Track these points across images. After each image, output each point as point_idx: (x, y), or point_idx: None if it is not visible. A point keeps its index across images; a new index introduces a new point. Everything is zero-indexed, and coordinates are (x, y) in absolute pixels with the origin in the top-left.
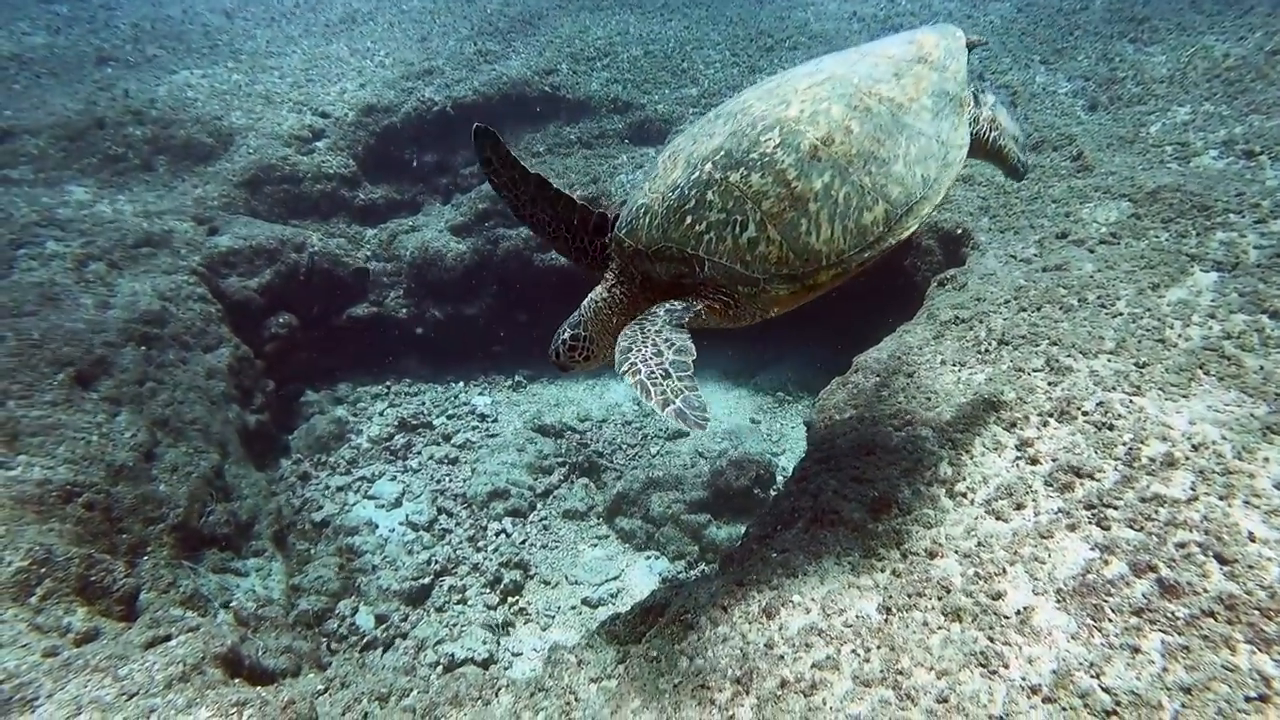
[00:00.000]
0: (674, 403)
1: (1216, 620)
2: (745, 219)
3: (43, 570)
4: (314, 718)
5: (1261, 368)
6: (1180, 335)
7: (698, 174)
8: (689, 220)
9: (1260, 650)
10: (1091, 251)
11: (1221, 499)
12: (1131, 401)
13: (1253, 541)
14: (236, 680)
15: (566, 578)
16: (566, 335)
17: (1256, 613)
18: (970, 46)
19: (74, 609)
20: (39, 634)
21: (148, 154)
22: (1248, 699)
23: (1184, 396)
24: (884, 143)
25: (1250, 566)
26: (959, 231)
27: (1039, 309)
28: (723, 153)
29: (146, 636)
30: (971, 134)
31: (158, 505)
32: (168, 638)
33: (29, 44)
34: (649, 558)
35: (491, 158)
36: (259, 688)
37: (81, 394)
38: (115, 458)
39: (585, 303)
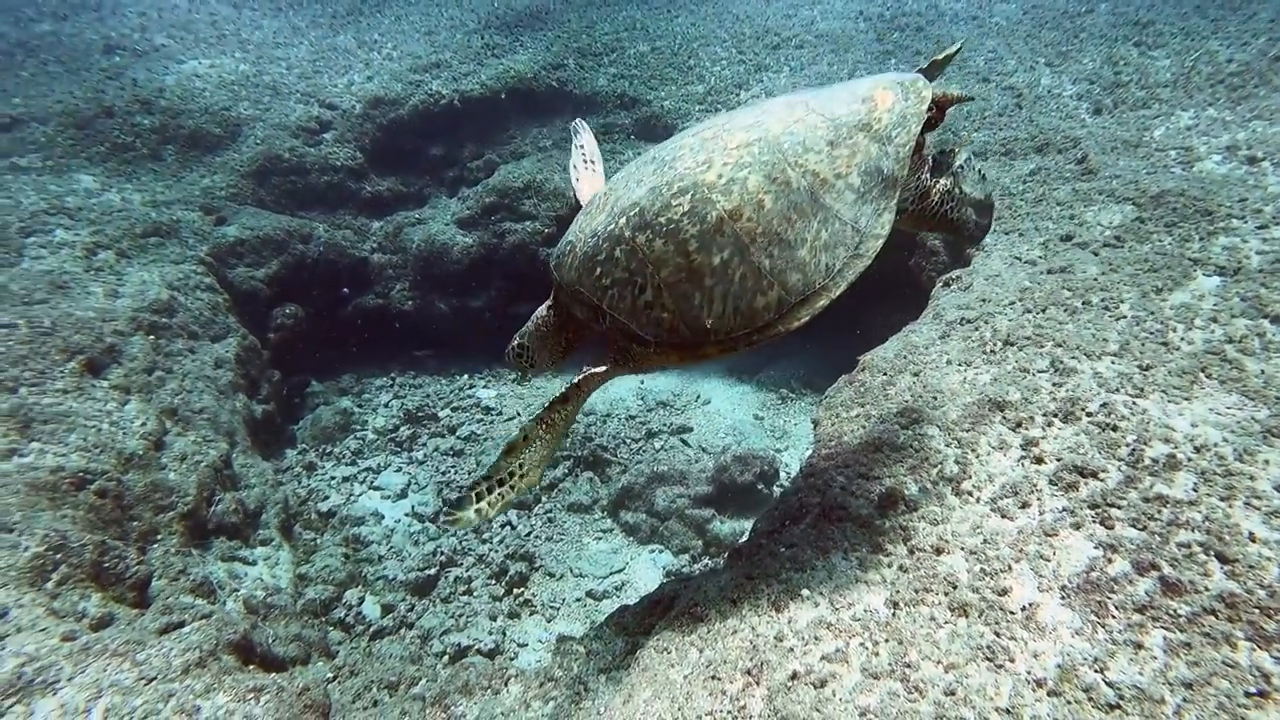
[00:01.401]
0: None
1: (1217, 618)
2: (645, 283)
3: (58, 556)
4: (328, 704)
5: (1262, 372)
6: (1183, 339)
7: (613, 226)
8: (598, 271)
9: (1260, 647)
10: (1096, 254)
11: (1223, 500)
12: (1135, 403)
13: (1253, 542)
14: (250, 667)
15: (571, 570)
16: (515, 343)
17: (1257, 611)
18: (946, 104)
19: (89, 594)
20: (56, 619)
21: (156, 143)
22: (1248, 694)
23: (1186, 399)
24: (794, 224)
25: (1251, 566)
26: None
27: (1044, 310)
28: (638, 209)
29: (160, 623)
30: (917, 209)
31: (167, 493)
32: (181, 624)
33: (35, 31)
34: (653, 551)
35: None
36: (273, 674)
37: (92, 382)
38: (126, 446)
39: (534, 315)
